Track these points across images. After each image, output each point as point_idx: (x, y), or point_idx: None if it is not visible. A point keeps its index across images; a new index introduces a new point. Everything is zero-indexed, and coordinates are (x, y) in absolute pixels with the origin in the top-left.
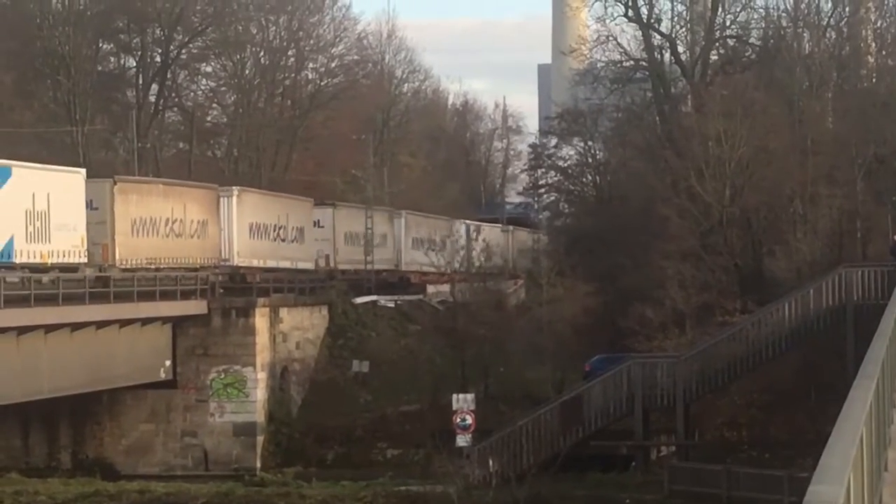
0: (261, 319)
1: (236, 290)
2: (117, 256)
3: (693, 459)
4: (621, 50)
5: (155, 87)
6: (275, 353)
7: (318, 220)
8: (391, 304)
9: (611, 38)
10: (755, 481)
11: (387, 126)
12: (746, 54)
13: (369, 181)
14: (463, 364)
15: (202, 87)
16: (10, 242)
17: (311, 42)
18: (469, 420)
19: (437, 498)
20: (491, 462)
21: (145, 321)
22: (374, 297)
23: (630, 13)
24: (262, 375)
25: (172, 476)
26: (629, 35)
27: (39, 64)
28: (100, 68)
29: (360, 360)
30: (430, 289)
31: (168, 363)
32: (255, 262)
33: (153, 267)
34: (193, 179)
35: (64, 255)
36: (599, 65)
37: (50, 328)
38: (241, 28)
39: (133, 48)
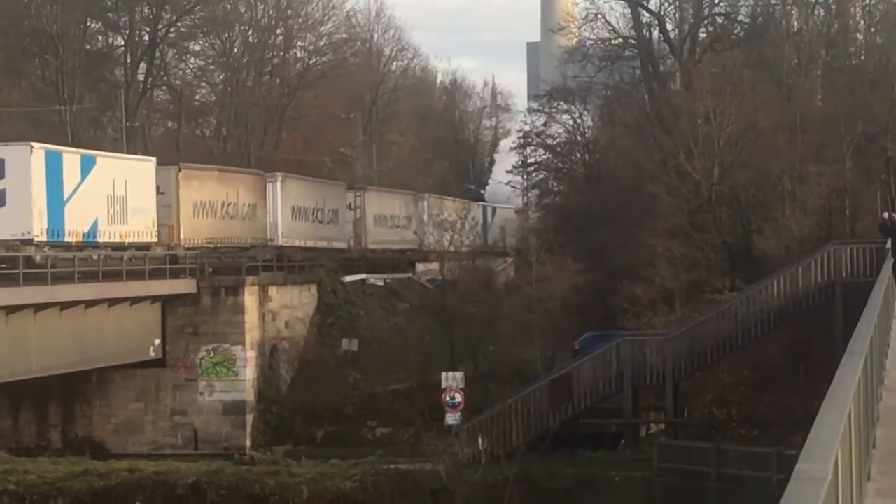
0: (250, 298)
1: (225, 268)
2: (182, 236)
3: (682, 437)
4: (610, 28)
5: (143, 65)
6: (264, 331)
7: (351, 203)
8: (380, 283)
9: (599, 16)
10: (744, 459)
11: (375, 104)
12: (735, 32)
13: (358, 159)
14: (452, 342)
15: (190, 66)
16: (95, 224)
17: (300, 20)
18: (458, 398)
19: (426, 476)
20: (480, 440)
21: (134, 300)
22: (363, 276)
23: None
24: (251, 354)
25: (162, 455)
26: (618, 13)
27: (27, 43)
28: (88, 47)
29: (349, 338)
30: (420, 267)
31: (157, 342)
32: (296, 242)
33: (211, 246)
34: (182, 159)
35: (138, 236)
36: (588, 42)
37: (39, 307)
38: (229, 6)
39: (121, 27)
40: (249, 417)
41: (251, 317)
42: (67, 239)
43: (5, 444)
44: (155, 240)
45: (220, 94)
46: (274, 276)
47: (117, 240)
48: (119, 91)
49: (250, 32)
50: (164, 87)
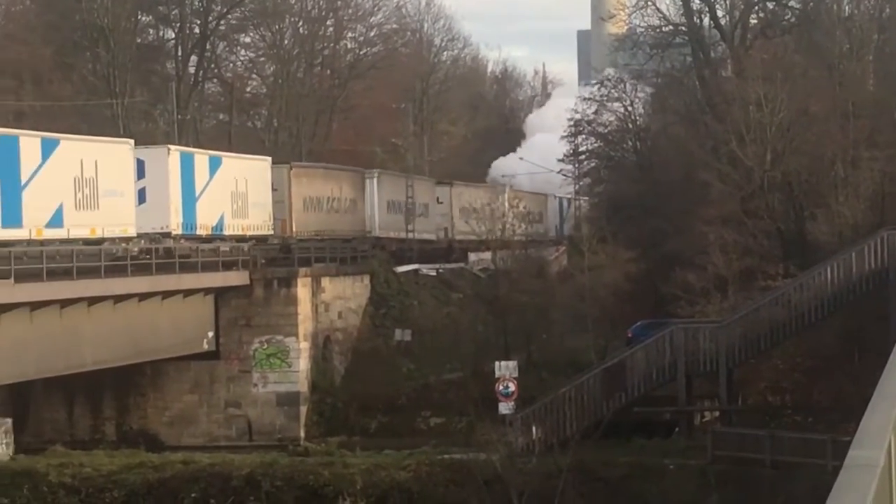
0: (303, 289)
1: (279, 260)
2: (294, 229)
3: (736, 424)
4: (660, 15)
5: (194, 58)
6: (317, 322)
7: (439, 197)
8: (433, 273)
9: (650, 4)
10: (799, 446)
11: (426, 94)
12: (786, 18)
13: (409, 150)
14: (505, 332)
15: (241, 58)
16: (222, 218)
17: (350, 11)
18: (512, 387)
19: (480, 466)
20: (534, 429)
21: (187, 293)
22: (415, 266)
23: None
24: (304, 345)
25: (216, 447)
26: (668, 0)
27: (78, 37)
28: (139, 40)
29: (402, 328)
30: (472, 256)
31: (211, 334)
32: (391, 234)
33: (318, 238)
34: (234, 150)
35: (258, 229)
36: (639, 30)
37: (93, 300)
38: None
39: (172, 20)
40: (303, 409)
41: (304, 308)
42: (199, 232)
43: (60, 437)
44: (272, 232)
45: (270, 86)
46: (327, 268)
47: (240, 232)
48: (170, 84)
49: (301, 24)
50: (215, 80)
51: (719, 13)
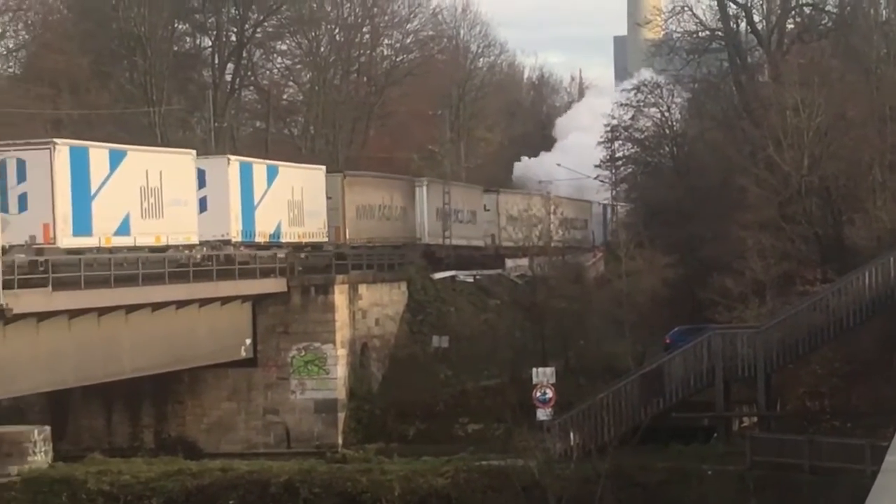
0: (340, 296)
1: (315, 267)
2: (347, 236)
3: (775, 430)
4: (697, 20)
5: (231, 66)
6: (354, 329)
7: (486, 204)
8: (470, 279)
9: (686, 9)
10: (838, 451)
11: (462, 101)
12: (823, 22)
13: (446, 156)
14: (543, 338)
15: (278, 66)
16: (279, 226)
17: (386, 18)
18: (549, 394)
19: (518, 472)
20: (572, 435)
21: (225, 300)
22: (452, 273)
23: None
24: (342, 352)
25: (255, 454)
26: (704, 5)
27: (115, 45)
28: (175, 48)
29: (439, 335)
30: (509, 263)
31: (248, 342)
32: (440, 241)
33: (370, 245)
34: (271, 157)
35: (313, 236)
36: (675, 35)
37: (131, 308)
38: (315, 5)
39: (208, 27)
40: (341, 415)
41: (341, 315)
42: (258, 240)
43: (99, 445)
44: (326, 240)
45: (307, 94)
46: (364, 275)
47: (296, 240)
48: (207, 92)
49: (337, 31)
50: (252, 87)
51: (756, 18)
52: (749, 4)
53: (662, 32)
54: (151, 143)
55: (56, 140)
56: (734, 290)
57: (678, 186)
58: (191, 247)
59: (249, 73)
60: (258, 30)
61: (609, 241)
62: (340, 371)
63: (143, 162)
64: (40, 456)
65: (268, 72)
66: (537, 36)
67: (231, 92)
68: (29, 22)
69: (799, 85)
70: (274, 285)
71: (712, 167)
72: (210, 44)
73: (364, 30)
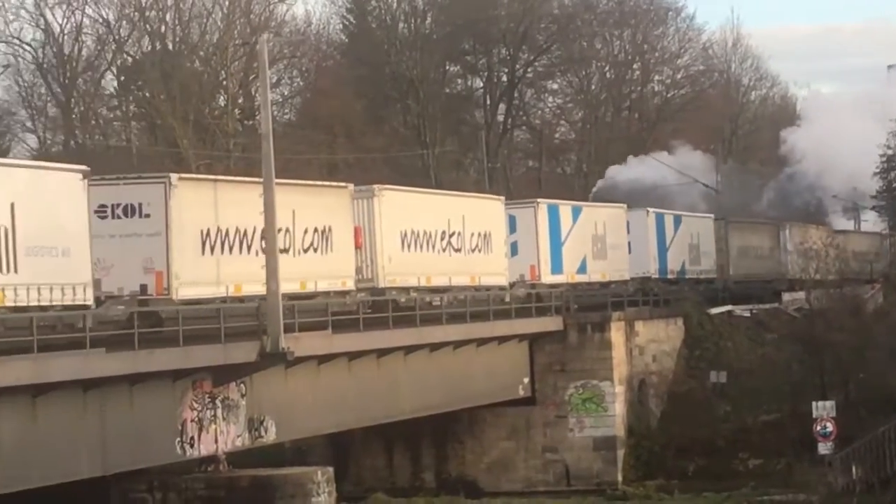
0: (616, 333)
1: (590, 306)
2: (731, 272)
3: None
4: None
5: (502, 106)
6: (631, 366)
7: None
8: (746, 314)
9: None
10: None
11: (735, 135)
12: None
13: (720, 191)
14: (822, 371)
15: (549, 105)
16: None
17: (657, 54)
18: (830, 427)
19: None
20: (854, 469)
21: (501, 339)
22: (729, 307)
23: None
24: (619, 389)
25: (534, 492)
26: None
27: (388, 89)
28: (447, 90)
29: (717, 370)
30: (786, 296)
31: (526, 380)
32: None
33: (746, 280)
34: (543, 196)
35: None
36: None
37: (409, 349)
38: (585, 44)
39: (479, 69)
40: (620, 452)
41: (618, 352)
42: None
43: (381, 485)
44: (715, 276)
45: (578, 132)
46: (640, 311)
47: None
48: (479, 133)
49: (607, 69)
50: (524, 127)
51: None
52: None
53: None
54: (425, 184)
55: (539, 199)
56: None
57: None
58: (622, 281)
59: (521, 113)
60: (529, 70)
61: (889, 273)
62: (619, 408)
63: (593, 215)
64: (324, 497)
65: (539, 111)
66: (809, 66)
67: (503, 132)
68: (304, 69)
69: None
70: (551, 324)
71: None
72: (481, 85)
73: (634, 66)
